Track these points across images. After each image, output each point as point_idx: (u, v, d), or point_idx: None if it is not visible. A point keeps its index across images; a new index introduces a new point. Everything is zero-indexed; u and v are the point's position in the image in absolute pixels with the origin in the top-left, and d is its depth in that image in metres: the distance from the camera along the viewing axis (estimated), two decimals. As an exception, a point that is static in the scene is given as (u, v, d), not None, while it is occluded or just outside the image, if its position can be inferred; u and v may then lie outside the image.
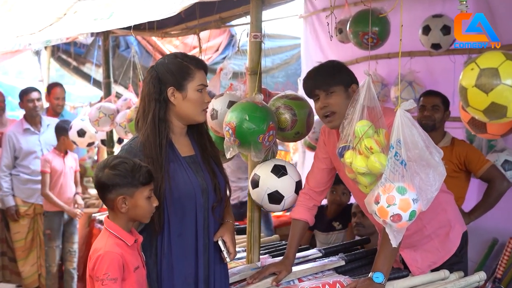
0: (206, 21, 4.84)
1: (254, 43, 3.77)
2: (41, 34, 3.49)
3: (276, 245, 4.41)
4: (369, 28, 4.51)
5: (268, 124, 3.48)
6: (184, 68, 3.02)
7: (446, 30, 4.99)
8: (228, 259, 3.09)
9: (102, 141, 6.48)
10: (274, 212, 4.13)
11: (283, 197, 3.61)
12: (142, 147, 2.97)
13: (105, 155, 7.03)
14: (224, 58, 7.51)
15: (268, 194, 3.60)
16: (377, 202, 2.83)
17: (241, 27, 5.84)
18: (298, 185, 3.66)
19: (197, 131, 3.19)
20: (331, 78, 3.29)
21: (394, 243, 2.88)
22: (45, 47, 8.94)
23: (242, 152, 3.65)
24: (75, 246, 6.64)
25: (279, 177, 3.61)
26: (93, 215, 6.25)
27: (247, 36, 3.98)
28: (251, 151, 3.53)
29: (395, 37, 4.92)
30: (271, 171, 3.62)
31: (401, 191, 2.77)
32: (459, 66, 5.22)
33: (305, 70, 7.11)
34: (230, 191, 3.28)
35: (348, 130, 3.01)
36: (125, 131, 5.57)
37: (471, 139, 5.27)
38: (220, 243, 3.09)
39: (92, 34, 6.07)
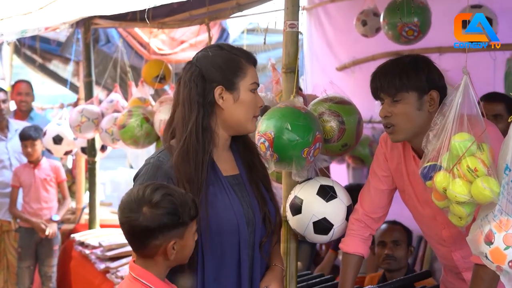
0: (218, 8, 4.08)
1: (290, 33, 3.09)
2: (40, 13, 2.76)
3: (306, 277, 3.68)
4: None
5: (314, 135, 2.83)
6: (234, 62, 2.39)
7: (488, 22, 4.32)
8: None
9: (83, 149, 5.68)
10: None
11: (332, 225, 2.91)
12: (176, 164, 2.32)
13: (83, 165, 6.26)
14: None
15: (313, 223, 2.90)
16: (489, 242, 2.14)
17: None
18: (349, 211, 2.97)
19: (243, 144, 2.55)
20: (401, 80, 2.57)
21: (514, 297, 2.19)
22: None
23: (280, 169, 2.96)
24: (52, 270, 5.83)
25: (327, 201, 2.91)
26: (72, 236, 5.45)
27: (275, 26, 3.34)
28: (292, 168, 2.87)
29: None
30: (317, 194, 2.92)
31: (523, 227, 2.09)
32: (500, 64, 4.59)
33: (309, 68, 6.40)
34: (281, 224, 2.61)
35: (435, 144, 2.32)
36: (112, 138, 4.84)
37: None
38: None
39: (71, 25, 5.29)
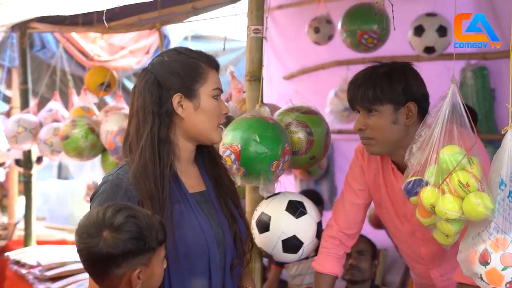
0: (171, 12, 3.85)
1: (254, 39, 3.00)
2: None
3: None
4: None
5: (283, 147, 2.69)
6: (193, 66, 2.18)
7: (443, 31, 4.25)
8: None
9: (17, 161, 5.34)
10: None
11: (302, 243, 2.74)
12: (134, 180, 2.10)
13: (15, 178, 5.90)
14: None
15: (282, 241, 2.72)
16: (484, 263, 2.00)
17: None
18: (319, 228, 2.81)
19: (209, 157, 2.34)
20: (375, 93, 2.43)
21: (511, 321, 2.06)
22: None
23: (246, 183, 2.79)
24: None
25: (297, 218, 2.74)
26: (6, 254, 5.10)
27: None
28: (260, 182, 2.71)
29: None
30: (286, 210, 2.74)
31: (520, 246, 1.97)
32: (455, 73, 4.52)
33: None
34: (252, 243, 2.41)
35: (420, 158, 2.18)
36: (51, 150, 4.55)
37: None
38: None
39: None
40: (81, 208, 8.38)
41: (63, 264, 4.41)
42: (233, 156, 2.63)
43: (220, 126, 2.25)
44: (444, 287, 2.70)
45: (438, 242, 2.23)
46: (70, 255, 4.55)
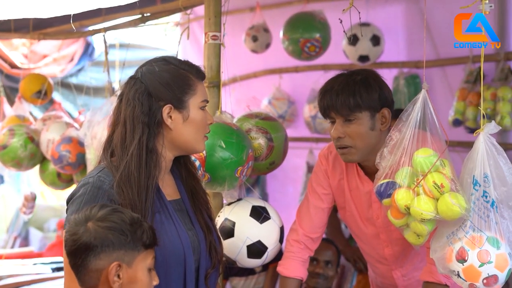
0: (117, 17, 3.77)
1: (212, 46, 3.02)
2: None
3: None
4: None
5: (247, 153, 2.72)
6: (183, 78, 2.18)
7: (376, 40, 4.38)
8: None
9: None
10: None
11: (267, 248, 2.76)
12: (118, 188, 2.07)
13: None
14: (80, 69, 6.38)
15: (247, 246, 2.73)
16: (462, 260, 2.08)
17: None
18: (282, 232, 2.83)
19: (186, 168, 2.33)
20: (355, 100, 2.45)
21: (487, 315, 2.15)
22: None
23: (210, 190, 2.77)
24: None
25: (261, 223, 2.75)
26: None
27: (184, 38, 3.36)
28: (224, 188, 2.72)
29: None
30: (250, 215, 2.76)
31: (495, 243, 2.06)
32: (387, 82, 4.65)
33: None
34: (222, 252, 2.39)
35: (393, 161, 2.24)
36: (-16, 160, 4.34)
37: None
38: None
39: None
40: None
41: (-2, 279, 4.24)
42: (197, 163, 2.61)
43: (205, 135, 2.25)
44: (405, 286, 2.78)
45: (407, 242, 2.31)
46: (5, 269, 4.38)
